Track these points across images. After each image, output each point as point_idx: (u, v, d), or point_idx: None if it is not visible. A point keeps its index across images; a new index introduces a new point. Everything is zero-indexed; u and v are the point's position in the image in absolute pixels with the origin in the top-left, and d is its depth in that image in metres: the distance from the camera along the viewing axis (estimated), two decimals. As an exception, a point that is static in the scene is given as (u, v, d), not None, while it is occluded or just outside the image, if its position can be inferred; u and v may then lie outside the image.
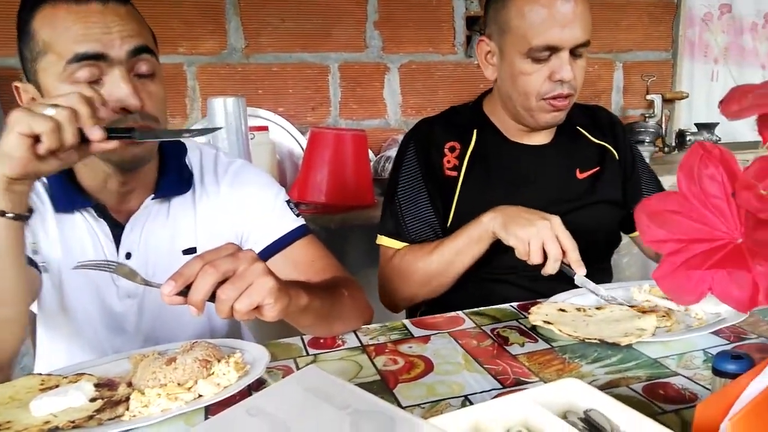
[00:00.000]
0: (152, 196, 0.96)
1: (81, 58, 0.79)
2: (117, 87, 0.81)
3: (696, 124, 2.68)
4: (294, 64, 2.35)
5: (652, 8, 2.72)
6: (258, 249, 1.02)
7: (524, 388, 0.73)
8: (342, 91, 2.42)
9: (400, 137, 2.38)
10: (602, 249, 1.22)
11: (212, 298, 0.69)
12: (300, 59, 2.35)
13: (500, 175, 1.17)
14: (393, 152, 2.25)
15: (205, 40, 2.26)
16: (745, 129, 3.20)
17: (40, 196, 0.91)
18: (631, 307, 0.92)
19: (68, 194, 0.91)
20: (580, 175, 1.19)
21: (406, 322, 1.00)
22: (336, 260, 1.08)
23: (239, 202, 1.03)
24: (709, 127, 2.62)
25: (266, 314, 0.72)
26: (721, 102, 0.44)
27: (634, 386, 0.73)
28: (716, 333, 0.85)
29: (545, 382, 0.75)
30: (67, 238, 0.92)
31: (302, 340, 0.94)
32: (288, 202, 1.07)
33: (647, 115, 2.61)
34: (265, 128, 2.03)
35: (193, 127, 2.17)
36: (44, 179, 0.91)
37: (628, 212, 1.22)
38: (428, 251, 1.11)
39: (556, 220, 0.95)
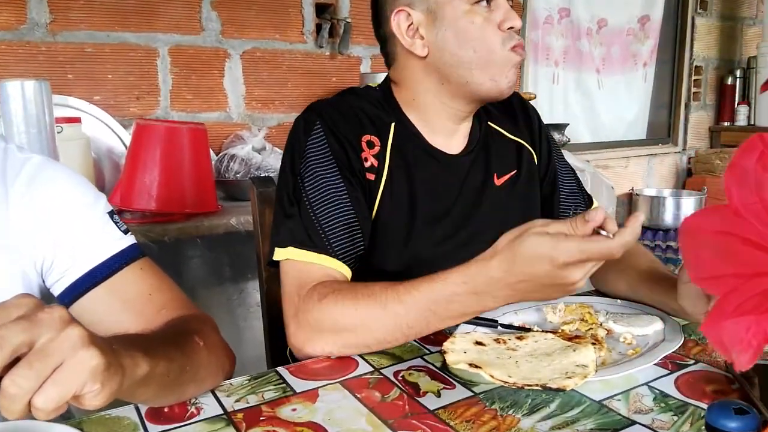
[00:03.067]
0: None
1: None
2: None
3: (547, 125, 2.76)
4: (113, 45, 1.99)
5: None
6: (69, 280, 0.73)
7: (461, 465, 0.56)
8: (174, 79, 2.11)
9: (245, 133, 2.12)
10: None
11: None
12: (121, 39, 1.99)
13: (423, 189, 0.97)
14: (237, 150, 1.99)
15: (0, 12, 1.81)
16: (586, 131, 3.41)
17: None
18: (555, 333, 0.79)
19: None
20: (497, 181, 1.04)
21: (282, 371, 0.76)
22: (181, 291, 0.81)
23: (39, 214, 0.72)
24: (559, 128, 2.69)
25: (88, 404, 0.47)
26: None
27: (588, 443, 0.58)
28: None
29: (484, 451, 0.58)
30: None
31: (137, 410, 0.67)
32: (111, 213, 0.78)
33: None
34: (77, 120, 1.67)
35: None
36: None
37: (547, 213, 1.10)
38: (372, 303, 0.79)
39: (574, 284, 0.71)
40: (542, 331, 0.82)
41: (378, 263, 0.94)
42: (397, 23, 0.94)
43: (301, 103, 2.32)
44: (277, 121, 2.32)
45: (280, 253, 0.88)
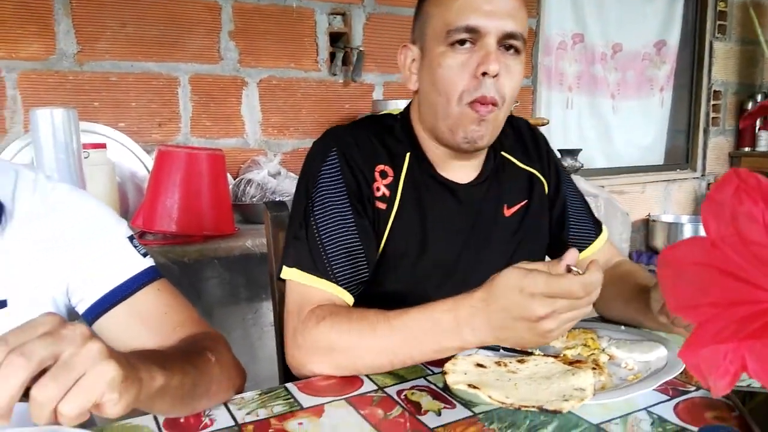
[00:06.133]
0: None
1: None
2: None
3: (560, 150, 2.78)
4: (136, 74, 2.07)
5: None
6: (92, 299, 0.78)
7: (457, 479, 0.58)
8: (194, 106, 2.18)
9: (261, 158, 2.18)
10: None
11: (26, 395, 0.47)
12: (144, 69, 2.07)
13: (434, 220, 0.99)
14: (254, 175, 2.05)
15: (29, 43, 1.91)
16: (601, 156, 3.41)
17: None
18: (556, 357, 0.81)
19: None
20: (507, 212, 1.05)
21: (291, 387, 0.80)
22: (195, 311, 0.85)
23: (65, 238, 0.78)
24: (573, 153, 2.70)
25: (107, 412, 0.51)
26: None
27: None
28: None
29: (480, 467, 0.60)
30: None
31: (155, 420, 0.70)
32: (131, 238, 0.83)
33: (510, 141, 2.65)
34: (102, 145, 1.73)
35: (14, 144, 1.80)
36: None
37: (556, 241, 1.11)
38: (364, 327, 0.81)
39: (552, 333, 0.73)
40: (544, 355, 0.83)
41: (385, 290, 0.97)
42: (403, 57, 0.98)
43: (315, 129, 2.37)
44: (292, 147, 2.37)
45: (286, 272, 0.91)
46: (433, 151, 1.00)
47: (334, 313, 0.84)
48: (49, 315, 0.50)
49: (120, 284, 0.78)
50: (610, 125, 3.40)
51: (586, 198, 1.17)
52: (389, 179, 0.97)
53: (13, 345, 0.46)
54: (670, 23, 3.49)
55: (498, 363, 0.79)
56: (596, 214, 1.17)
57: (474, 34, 0.87)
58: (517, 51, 0.90)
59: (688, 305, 0.35)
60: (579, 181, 2.43)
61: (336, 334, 0.82)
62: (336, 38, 2.40)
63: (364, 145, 0.97)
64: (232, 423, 0.70)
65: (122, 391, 0.50)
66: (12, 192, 0.76)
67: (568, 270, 0.70)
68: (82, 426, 0.49)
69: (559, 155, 2.70)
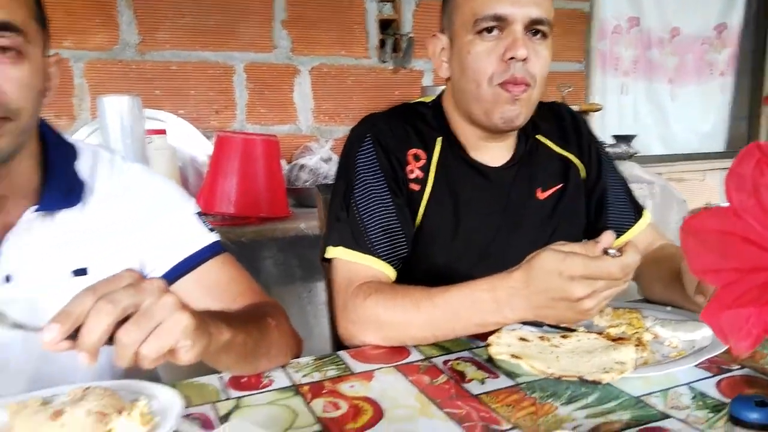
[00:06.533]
0: (34, 207, 0.78)
1: None
2: None
3: (614, 136, 2.74)
4: (195, 63, 2.15)
5: (565, 18, 2.76)
6: (163, 269, 0.85)
7: (499, 439, 0.62)
8: (249, 94, 2.25)
9: (313, 144, 2.24)
10: None
11: (111, 340, 0.54)
12: (201, 58, 2.16)
13: (468, 202, 1.03)
14: (306, 160, 2.11)
15: (94, 34, 2.02)
16: (658, 143, 3.33)
17: None
18: (599, 334, 0.83)
19: None
20: (541, 195, 1.07)
21: (343, 354, 0.85)
22: (255, 283, 0.92)
23: (141, 213, 0.86)
24: (627, 139, 2.66)
25: (181, 358, 0.57)
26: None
27: None
28: (697, 364, 0.77)
29: (521, 429, 0.63)
30: None
31: (220, 379, 0.77)
32: (199, 214, 0.90)
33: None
34: (163, 131, 1.81)
35: (82, 129, 1.91)
36: None
37: (592, 229, 1.12)
38: (408, 303, 0.86)
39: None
40: (587, 331, 0.85)
41: (425, 268, 1.01)
42: (433, 47, 1.02)
43: (365, 115, 2.41)
44: (343, 133, 2.42)
45: (331, 252, 0.97)
46: (466, 134, 1.04)
47: (380, 289, 0.90)
48: (130, 270, 0.56)
49: (188, 256, 0.85)
50: (667, 111, 3.31)
51: (641, 185, 1.17)
52: (422, 162, 1.02)
53: (102, 294, 0.53)
54: (731, 5, 3.36)
55: (541, 338, 0.82)
56: (651, 201, 1.16)
57: (501, 21, 0.91)
58: (544, 35, 0.94)
59: (710, 269, 0.38)
60: (633, 167, 2.39)
61: (382, 309, 0.87)
62: (386, 25, 2.43)
63: (397, 131, 1.02)
64: (290, 384, 0.76)
65: (194, 339, 0.56)
66: (92, 171, 0.84)
67: (605, 252, 0.72)
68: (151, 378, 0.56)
69: (612, 141, 2.67)
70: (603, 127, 2.96)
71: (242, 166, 1.75)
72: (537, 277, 0.75)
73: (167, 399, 0.65)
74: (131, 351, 0.53)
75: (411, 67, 2.50)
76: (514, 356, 0.73)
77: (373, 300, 0.89)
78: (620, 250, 0.72)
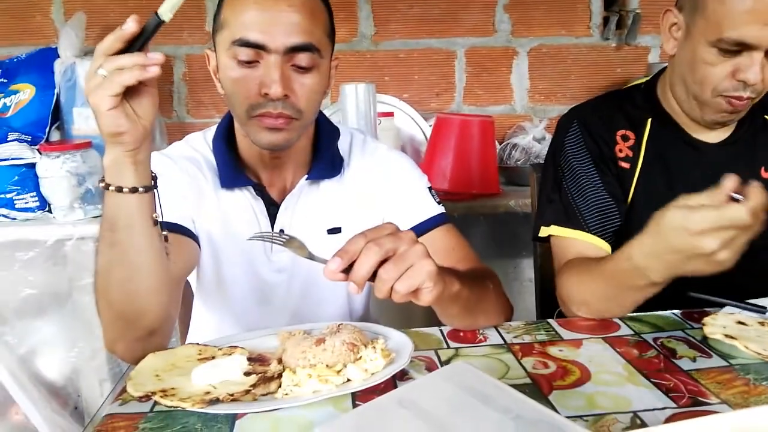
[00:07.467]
0: (306, 176, 0.99)
1: (244, 44, 0.84)
2: (267, 73, 0.85)
3: None
4: (421, 50, 2.31)
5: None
6: None
7: (705, 410, 0.65)
8: (467, 77, 2.36)
9: (527, 124, 2.28)
10: None
11: (373, 277, 0.67)
12: (427, 45, 2.31)
13: (682, 178, 1.04)
14: (519, 140, 2.16)
15: (338, 28, 2.26)
16: None
17: (205, 172, 0.97)
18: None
19: (233, 172, 0.96)
20: (765, 174, 1.05)
21: (553, 322, 0.92)
22: (473, 251, 1.04)
23: (384, 185, 1.04)
24: None
25: (423, 298, 0.69)
26: None
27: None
28: None
29: (730, 406, 0.66)
30: (227, 213, 0.97)
31: (441, 331, 0.90)
32: (429, 189, 1.05)
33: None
34: (391, 114, 2.01)
35: (324, 112, 2.19)
36: (212, 158, 0.97)
37: None
38: (587, 279, 0.93)
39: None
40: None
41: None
42: (666, 19, 1.02)
43: (583, 94, 2.37)
44: (558, 113, 2.41)
45: (544, 231, 1.07)
46: (681, 114, 1.05)
47: (578, 266, 0.97)
48: (390, 223, 0.70)
49: (420, 222, 1.01)
50: None
51: None
52: (631, 141, 1.06)
53: (370, 238, 0.67)
54: None
55: (761, 323, 0.80)
56: None
57: (743, 46, 0.90)
58: None
59: None
60: None
61: (576, 286, 0.95)
62: (611, 2, 2.35)
63: (603, 114, 1.09)
64: (502, 342, 0.86)
65: (435, 282, 0.68)
66: (349, 149, 1.04)
67: (731, 199, 0.69)
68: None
69: None
70: None
71: (458, 145, 1.87)
72: (666, 238, 0.74)
73: (400, 341, 0.80)
74: (388, 286, 0.66)
75: (636, 43, 2.39)
76: (728, 336, 0.74)
77: (572, 277, 0.97)
78: (744, 194, 0.69)
